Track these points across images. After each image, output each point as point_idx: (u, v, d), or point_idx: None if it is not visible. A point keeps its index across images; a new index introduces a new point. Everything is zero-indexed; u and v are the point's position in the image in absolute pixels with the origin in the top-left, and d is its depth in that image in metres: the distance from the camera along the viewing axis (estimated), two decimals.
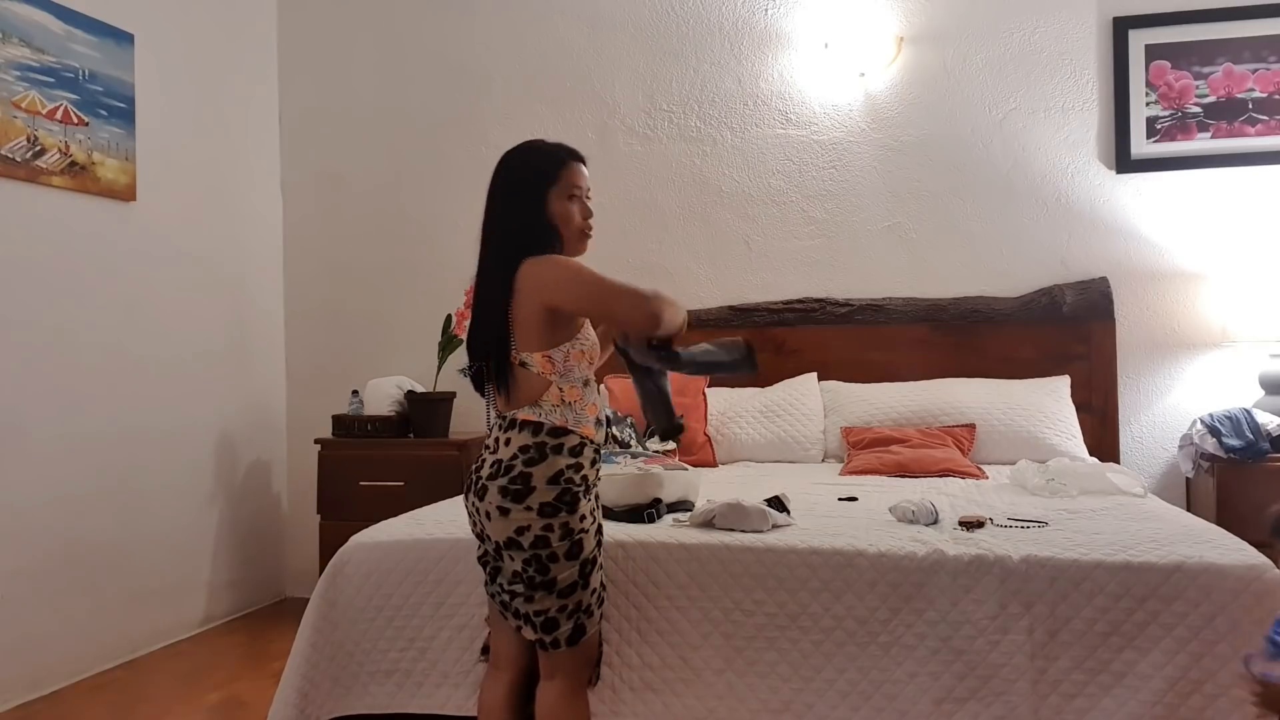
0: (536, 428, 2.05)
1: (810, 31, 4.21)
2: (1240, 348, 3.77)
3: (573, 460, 2.05)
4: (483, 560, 2.17)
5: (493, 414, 2.18)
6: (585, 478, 2.07)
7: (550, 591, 2.02)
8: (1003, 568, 2.19)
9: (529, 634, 2.07)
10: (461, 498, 2.28)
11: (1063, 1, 4.01)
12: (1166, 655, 2.07)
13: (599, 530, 2.13)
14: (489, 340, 2.10)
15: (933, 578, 2.21)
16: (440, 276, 4.44)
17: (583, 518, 2.05)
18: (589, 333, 2.14)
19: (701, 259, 4.31)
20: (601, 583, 2.12)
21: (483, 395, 2.18)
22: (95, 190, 3.59)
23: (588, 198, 2.17)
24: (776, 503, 2.49)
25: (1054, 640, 2.15)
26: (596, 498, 2.14)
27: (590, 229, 2.17)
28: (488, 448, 2.12)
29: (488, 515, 2.05)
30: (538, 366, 2.06)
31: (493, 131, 4.49)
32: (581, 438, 2.07)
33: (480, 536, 2.14)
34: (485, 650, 2.30)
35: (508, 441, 2.06)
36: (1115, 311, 3.93)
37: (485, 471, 2.07)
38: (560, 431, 2.05)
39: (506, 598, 2.09)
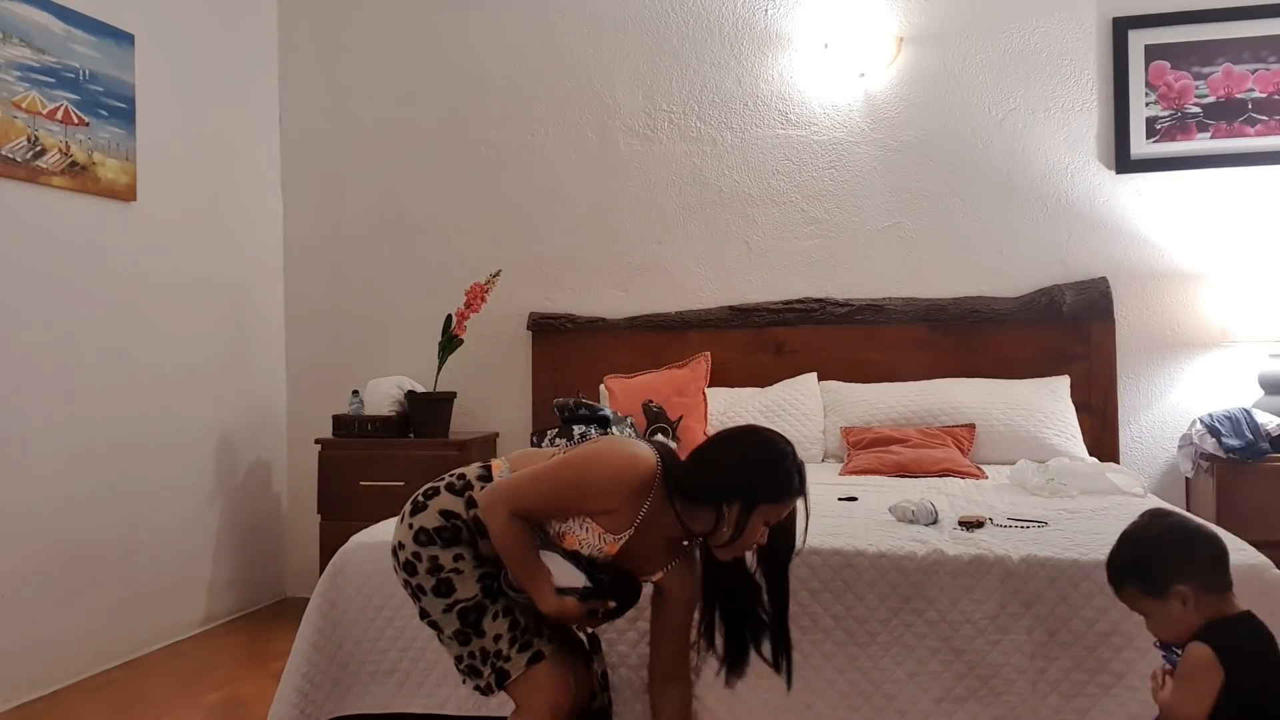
0: (486, 474, 2.10)
1: (810, 31, 4.21)
2: (1240, 348, 3.77)
3: (473, 524, 2.05)
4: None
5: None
6: (474, 544, 2.05)
7: (441, 634, 2.05)
8: (1003, 568, 2.19)
9: (466, 684, 2.09)
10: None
11: (1063, 1, 4.01)
12: None
13: (490, 577, 2.04)
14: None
15: (933, 578, 2.21)
16: (440, 276, 4.44)
17: (458, 557, 2.02)
18: (592, 535, 2.00)
19: (701, 259, 4.31)
20: (516, 626, 2.02)
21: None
22: (95, 190, 3.59)
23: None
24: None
25: (1054, 640, 2.15)
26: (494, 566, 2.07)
27: (742, 552, 2.01)
28: None
29: (401, 516, 2.12)
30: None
31: (493, 131, 4.49)
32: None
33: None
34: None
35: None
36: (1115, 311, 3.93)
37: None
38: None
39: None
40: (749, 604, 2.07)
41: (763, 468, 1.95)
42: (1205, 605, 1.66)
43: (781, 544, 2.01)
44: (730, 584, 2.07)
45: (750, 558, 2.06)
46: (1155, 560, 1.73)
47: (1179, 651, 1.72)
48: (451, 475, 2.12)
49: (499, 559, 2.02)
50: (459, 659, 2.05)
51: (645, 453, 1.99)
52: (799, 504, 1.99)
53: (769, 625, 2.06)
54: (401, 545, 2.06)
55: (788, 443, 2.00)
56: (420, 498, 2.09)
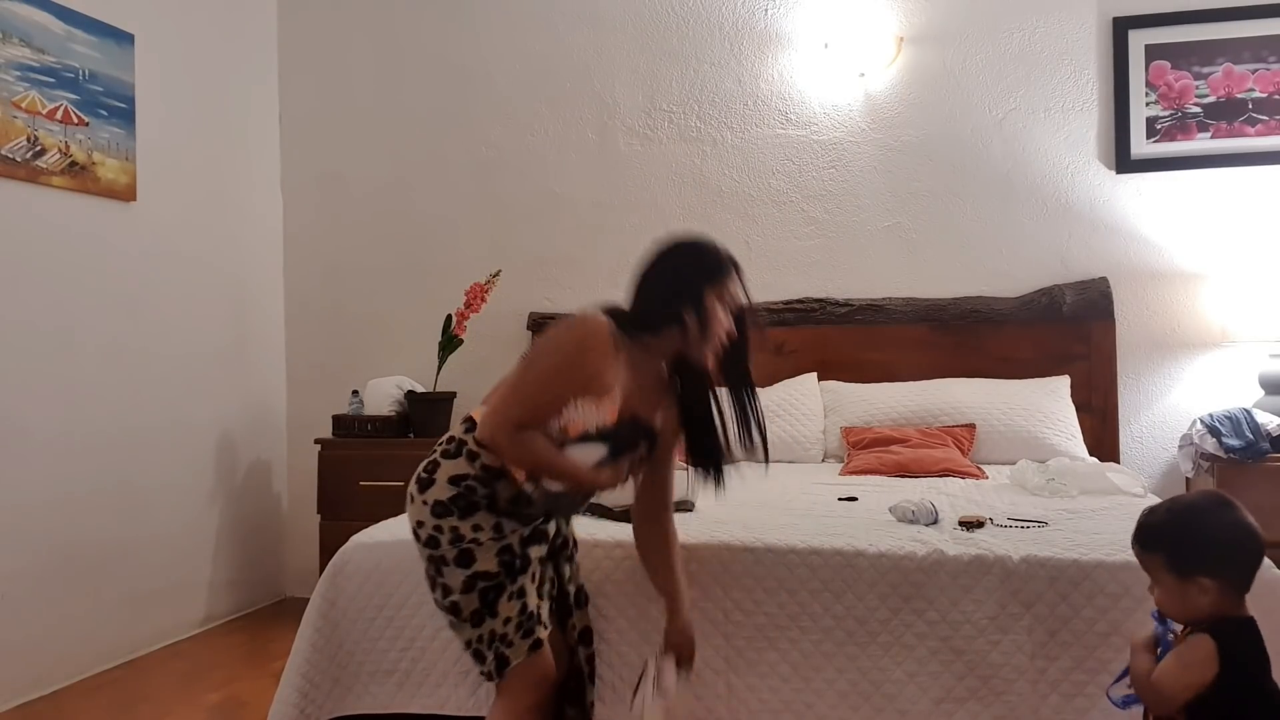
0: (471, 424, 2.07)
1: (810, 31, 4.21)
2: (1240, 348, 3.77)
3: (482, 474, 2.03)
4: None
5: None
6: (491, 498, 2.03)
7: (458, 617, 2.02)
8: (1003, 568, 2.19)
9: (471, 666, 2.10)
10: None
11: (1063, 1, 4.01)
12: None
13: (509, 553, 2.03)
14: None
15: (933, 578, 2.21)
16: (440, 276, 4.44)
17: (476, 528, 2.01)
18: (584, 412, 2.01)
19: None
20: (524, 611, 2.03)
21: None
22: (95, 190, 3.59)
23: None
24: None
25: (1054, 640, 2.15)
26: (520, 538, 2.07)
27: (721, 343, 2.06)
28: None
29: (410, 498, 2.09)
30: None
31: (493, 131, 4.49)
32: (503, 471, 2.03)
33: None
34: None
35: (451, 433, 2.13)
36: (1115, 311, 3.93)
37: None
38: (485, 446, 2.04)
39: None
40: (709, 415, 2.17)
41: (685, 258, 2.08)
42: (1220, 600, 1.66)
43: (738, 338, 2.09)
44: (694, 396, 2.17)
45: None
46: (1199, 546, 1.67)
47: (1173, 626, 1.72)
48: (441, 443, 2.10)
49: (516, 513, 2.03)
50: (468, 643, 2.04)
51: (592, 313, 2.05)
52: (740, 285, 2.08)
53: (737, 414, 2.15)
54: (421, 524, 2.04)
55: (701, 234, 2.14)
56: (423, 474, 2.07)
